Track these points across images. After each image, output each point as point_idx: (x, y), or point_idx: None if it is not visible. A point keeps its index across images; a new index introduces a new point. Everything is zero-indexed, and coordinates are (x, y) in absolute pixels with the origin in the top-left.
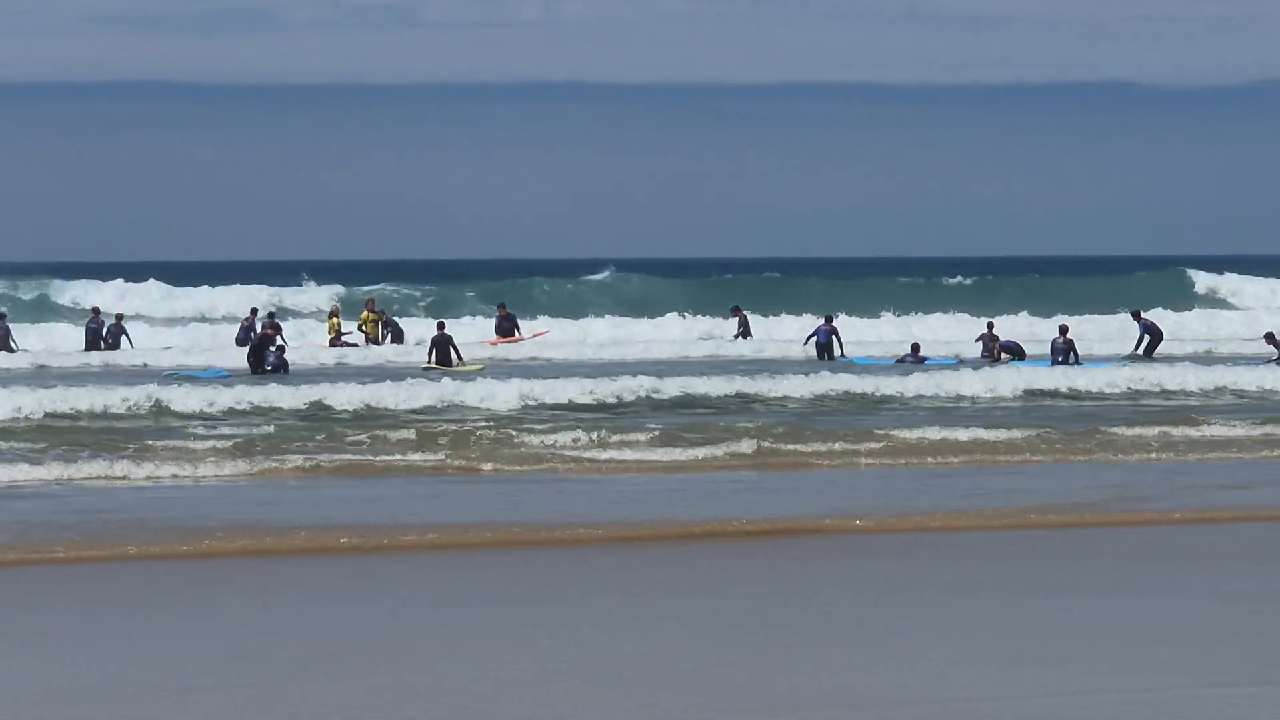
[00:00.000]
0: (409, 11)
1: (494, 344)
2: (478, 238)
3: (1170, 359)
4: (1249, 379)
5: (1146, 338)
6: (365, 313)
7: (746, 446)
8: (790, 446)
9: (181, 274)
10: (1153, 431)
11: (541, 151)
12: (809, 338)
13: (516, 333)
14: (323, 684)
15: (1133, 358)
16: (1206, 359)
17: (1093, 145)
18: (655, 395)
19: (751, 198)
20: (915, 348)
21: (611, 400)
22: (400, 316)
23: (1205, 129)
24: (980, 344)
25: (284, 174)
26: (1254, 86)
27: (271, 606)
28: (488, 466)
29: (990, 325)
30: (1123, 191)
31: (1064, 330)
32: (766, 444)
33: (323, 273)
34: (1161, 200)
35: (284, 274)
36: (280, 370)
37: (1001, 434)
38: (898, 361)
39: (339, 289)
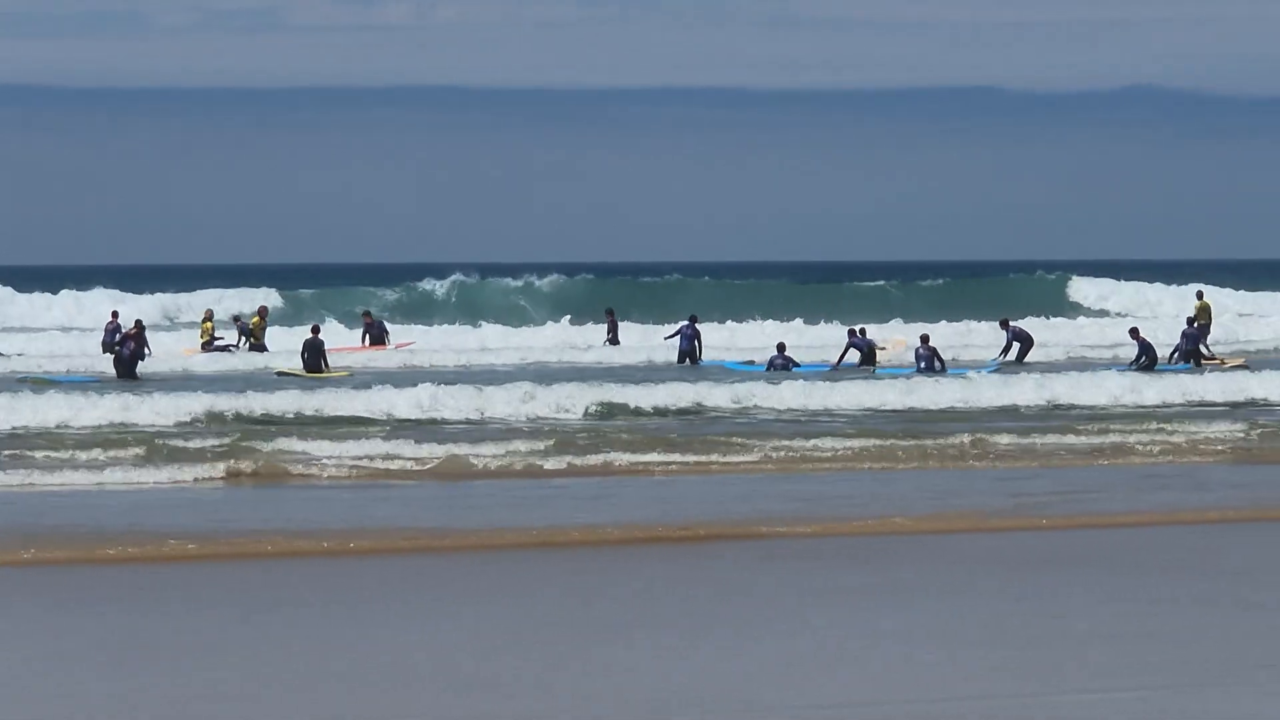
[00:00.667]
0: (276, 15)
1: (364, 350)
2: (340, 243)
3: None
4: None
5: (1016, 345)
6: (255, 318)
7: (550, 454)
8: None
9: (34, 279)
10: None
11: (407, 154)
12: (671, 335)
13: (385, 341)
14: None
15: (1003, 364)
16: (1057, 365)
17: (957, 149)
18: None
19: (628, 202)
20: (781, 347)
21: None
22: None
23: (1072, 134)
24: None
25: (148, 177)
26: (1123, 91)
27: None
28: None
29: (925, 337)
30: (985, 196)
31: (925, 339)
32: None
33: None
34: (1026, 205)
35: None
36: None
37: (828, 442)
38: (769, 368)
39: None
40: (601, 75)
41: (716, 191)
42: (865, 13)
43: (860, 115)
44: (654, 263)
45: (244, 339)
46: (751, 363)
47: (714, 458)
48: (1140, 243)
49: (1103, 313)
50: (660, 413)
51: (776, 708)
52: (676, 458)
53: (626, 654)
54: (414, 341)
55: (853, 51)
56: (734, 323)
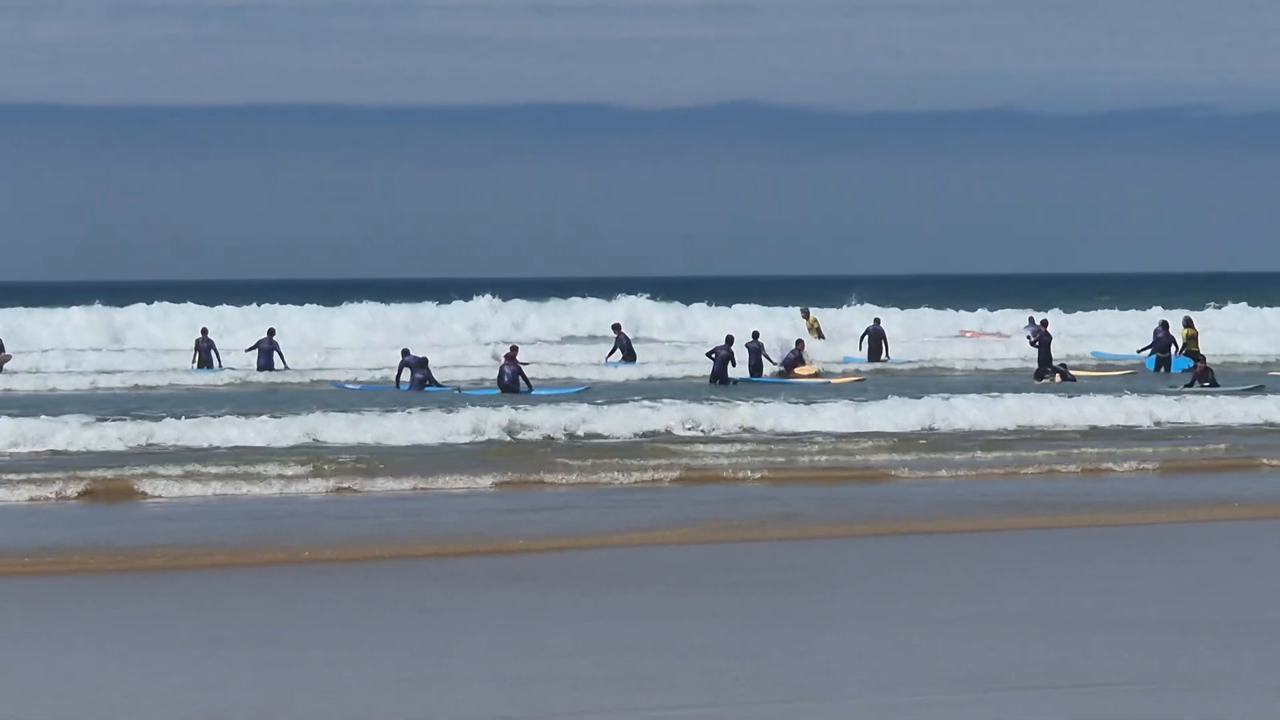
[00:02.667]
0: None
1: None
2: None
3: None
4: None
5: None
6: None
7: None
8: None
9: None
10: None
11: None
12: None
13: None
14: None
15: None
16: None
17: (564, 165)
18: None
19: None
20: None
21: None
22: None
23: (679, 150)
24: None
25: None
26: (724, 107)
27: None
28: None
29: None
30: (585, 211)
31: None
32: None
33: None
34: (621, 219)
35: None
36: None
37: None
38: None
39: None
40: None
41: (323, 208)
42: (477, 29)
43: (454, 130)
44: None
45: None
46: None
47: None
48: (728, 259)
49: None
50: None
51: None
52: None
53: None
54: (10, 356)
55: (451, 69)
56: None
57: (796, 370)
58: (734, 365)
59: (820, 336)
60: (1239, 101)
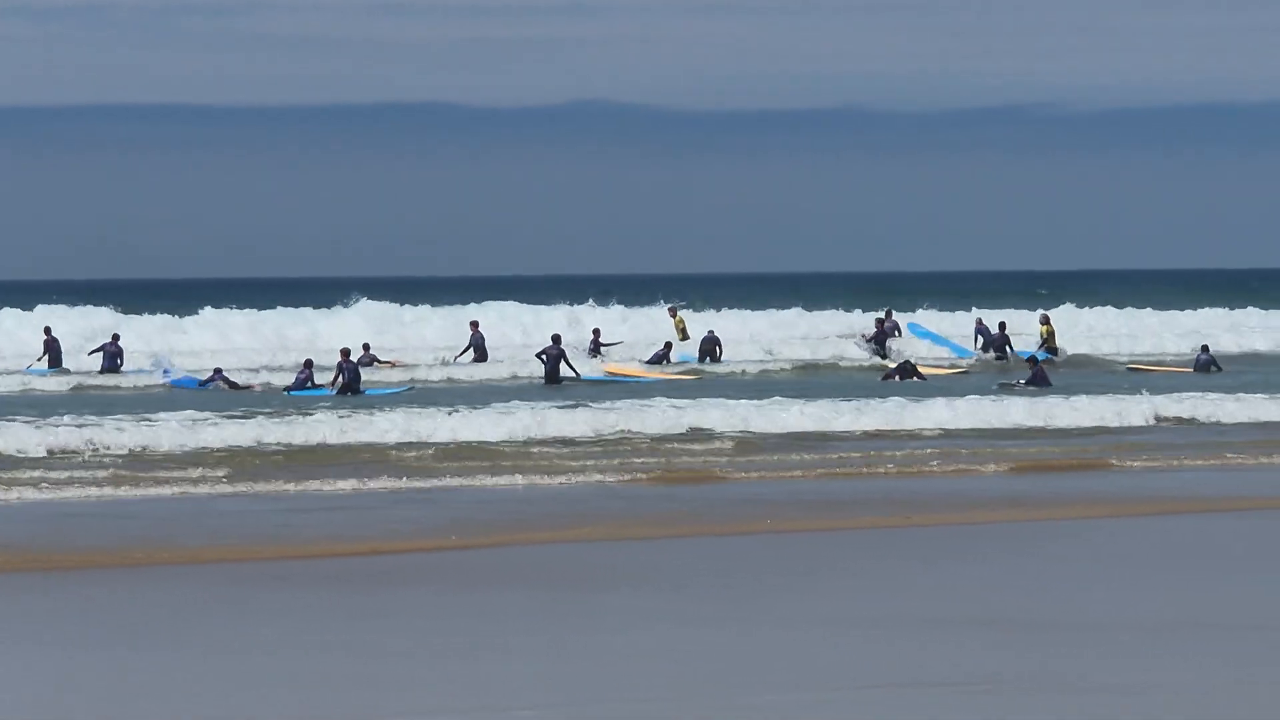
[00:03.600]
0: None
1: None
2: None
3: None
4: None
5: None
6: None
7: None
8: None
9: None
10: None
11: None
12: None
13: None
14: None
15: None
16: None
17: (412, 166)
18: None
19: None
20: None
21: None
22: None
23: (527, 149)
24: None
25: None
26: (572, 106)
27: None
28: None
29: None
30: (438, 211)
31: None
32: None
33: None
34: (470, 218)
35: None
36: None
37: None
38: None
39: None
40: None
41: (174, 208)
42: (280, 28)
43: (285, 130)
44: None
45: None
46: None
47: None
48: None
49: None
50: None
51: None
52: None
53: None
54: None
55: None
56: None
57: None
58: (566, 364)
59: (685, 337)
60: (1087, 100)
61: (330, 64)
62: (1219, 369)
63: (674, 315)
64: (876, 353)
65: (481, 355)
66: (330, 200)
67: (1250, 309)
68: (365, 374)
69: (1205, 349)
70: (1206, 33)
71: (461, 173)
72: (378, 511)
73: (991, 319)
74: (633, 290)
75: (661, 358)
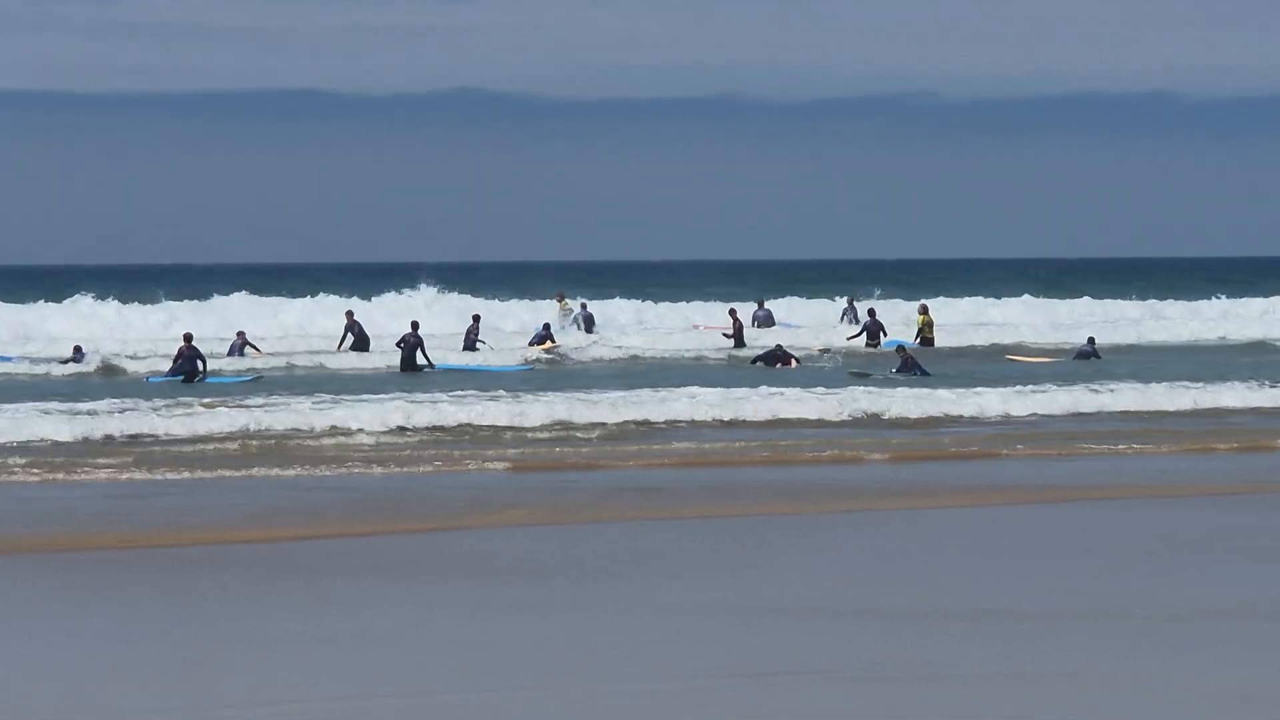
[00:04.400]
0: None
1: None
2: None
3: None
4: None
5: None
6: None
7: None
8: None
9: None
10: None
11: None
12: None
13: None
14: None
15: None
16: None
17: (286, 153)
18: None
19: None
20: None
21: None
22: None
23: (400, 136)
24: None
25: None
26: (451, 94)
27: None
28: None
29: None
30: (313, 198)
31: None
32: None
33: None
34: (354, 207)
35: None
36: None
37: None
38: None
39: None
40: None
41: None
42: (180, 17)
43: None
44: None
45: None
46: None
47: None
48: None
49: None
50: None
51: None
52: None
53: None
54: None
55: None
56: None
57: (542, 348)
58: (422, 353)
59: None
60: (962, 90)
61: (208, 51)
62: (1098, 358)
63: (560, 300)
64: (740, 345)
65: (362, 344)
66: (204, 187)
67: (1141, 301)
68: (222, 362)
69: (1091, 340)
70: (1070, 23)
71: (336, 160)
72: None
73: (863, 308)
74: (511, 278)
75: (543, 338)
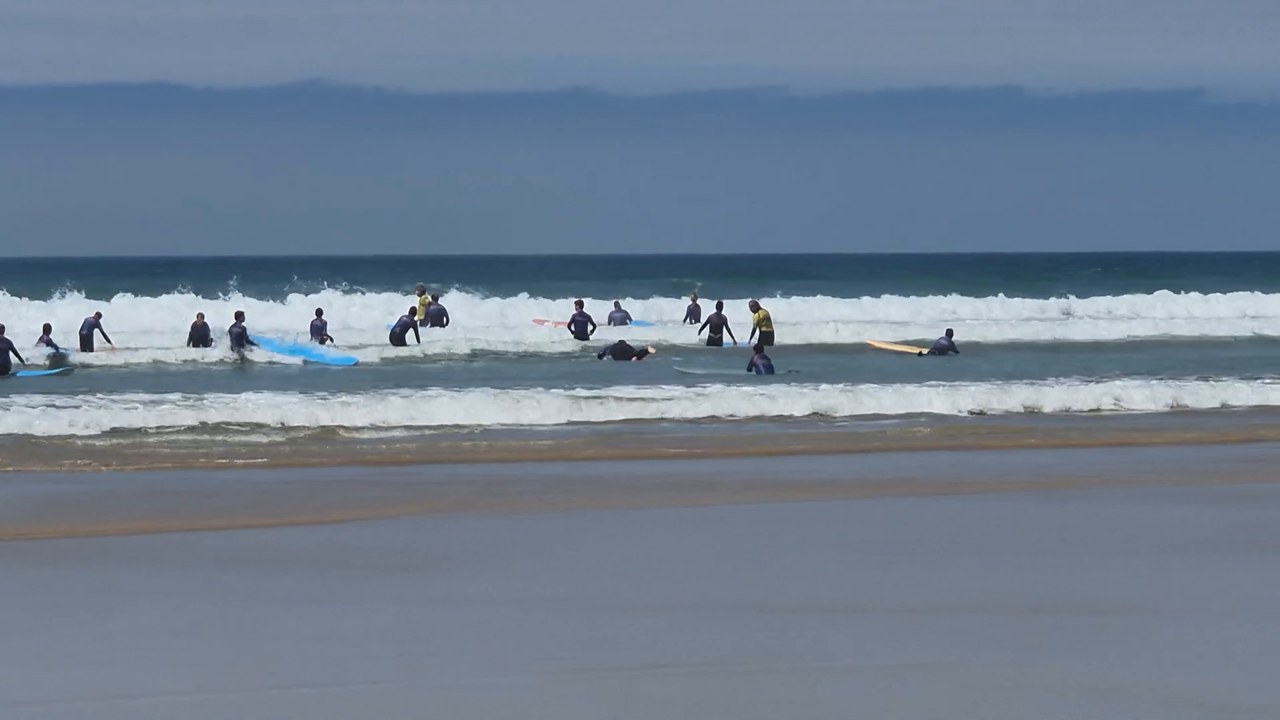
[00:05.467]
0: None
1: None
2: None
3: None
4: None
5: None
6: None
7: None
8: None
9: None
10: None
11: None
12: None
13: None
14: None
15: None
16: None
17: (138, 146)
18: None
19: None
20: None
21: None
22: None
23: (249, 130)
24: None
25: None
26: (294, 87)
27: None
28: None
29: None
30: (163, 191)
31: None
32: None
33: None
34: (203, 201)
35: None
36: None
37: None
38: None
39: None
40: None
41: None
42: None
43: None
44: None
45: None
46: None
47: None
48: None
49: None
50: None
51: None
52: None
53: None
54: None
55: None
56: None
57: (406, 339)
58: (247, 341)
59: (424, 317)
60: (811, 85)
61: (62, 45)
62: (956, 352)
63: (422, 294)
64: (582, 339)
65: (203, 340)
66: (55, 181)
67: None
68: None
69: (949, 333)
70: (922, 17)
71: (186, 153)
72: None
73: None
74: (366, 272)
75: (407, 325)
